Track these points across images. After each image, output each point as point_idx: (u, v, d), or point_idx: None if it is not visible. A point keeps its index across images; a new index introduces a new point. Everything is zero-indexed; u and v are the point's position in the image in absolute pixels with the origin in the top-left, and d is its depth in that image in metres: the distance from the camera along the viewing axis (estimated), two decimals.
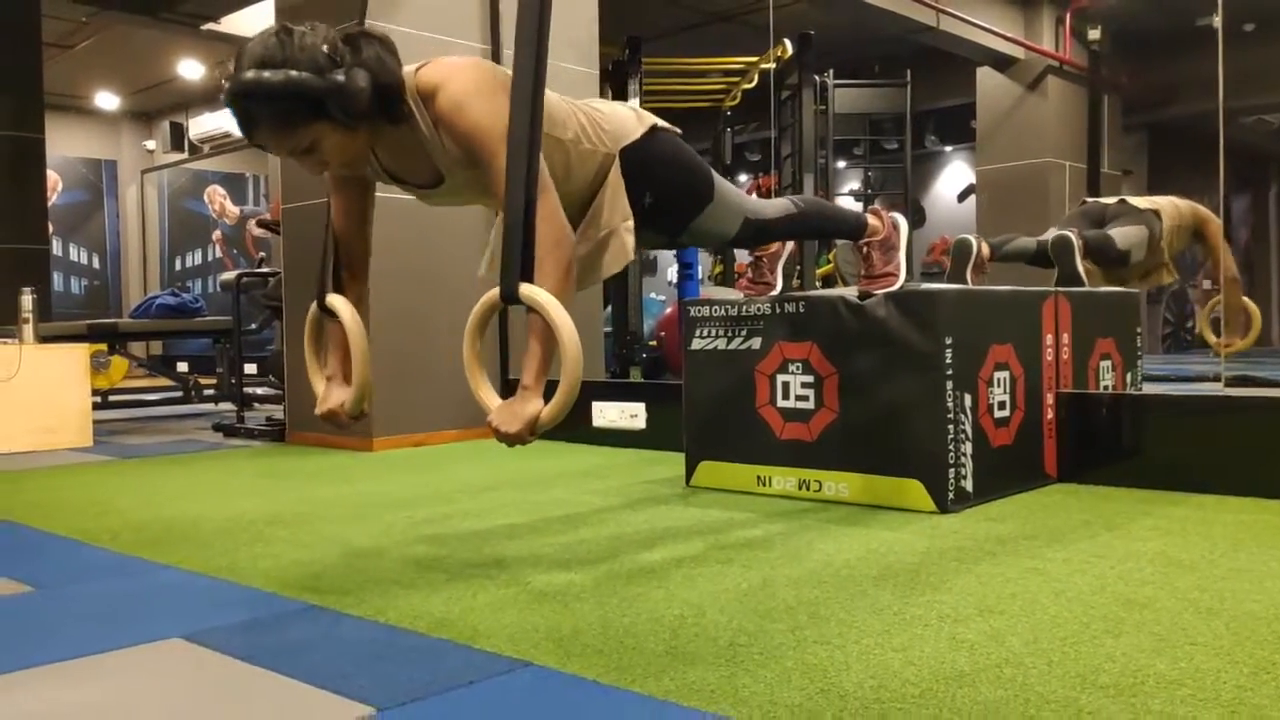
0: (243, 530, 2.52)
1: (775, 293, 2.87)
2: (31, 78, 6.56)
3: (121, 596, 1.95)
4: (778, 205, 2.48)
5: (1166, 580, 1.87)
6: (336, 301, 2.04)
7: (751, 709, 1.29)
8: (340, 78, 1.70)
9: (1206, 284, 11.04)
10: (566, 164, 2.00)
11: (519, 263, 1.76)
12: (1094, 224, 4.42)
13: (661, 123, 2.19)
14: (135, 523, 2.66)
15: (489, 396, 1.88)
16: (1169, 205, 4.64)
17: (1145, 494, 2.74)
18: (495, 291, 1.81)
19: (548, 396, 1.80)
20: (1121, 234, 4.27)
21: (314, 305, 2.08)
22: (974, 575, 1.93)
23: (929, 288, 2.65)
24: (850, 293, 2.67)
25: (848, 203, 8.54)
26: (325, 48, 1.71)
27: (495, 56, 4.53)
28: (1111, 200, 4.77)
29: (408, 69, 1.85)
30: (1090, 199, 5.19)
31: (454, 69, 1.85)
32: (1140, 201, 4.68)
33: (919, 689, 1.35)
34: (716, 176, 2.29)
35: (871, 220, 2.61)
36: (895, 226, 2.60)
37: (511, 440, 1.80)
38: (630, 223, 2.05)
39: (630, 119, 2.15)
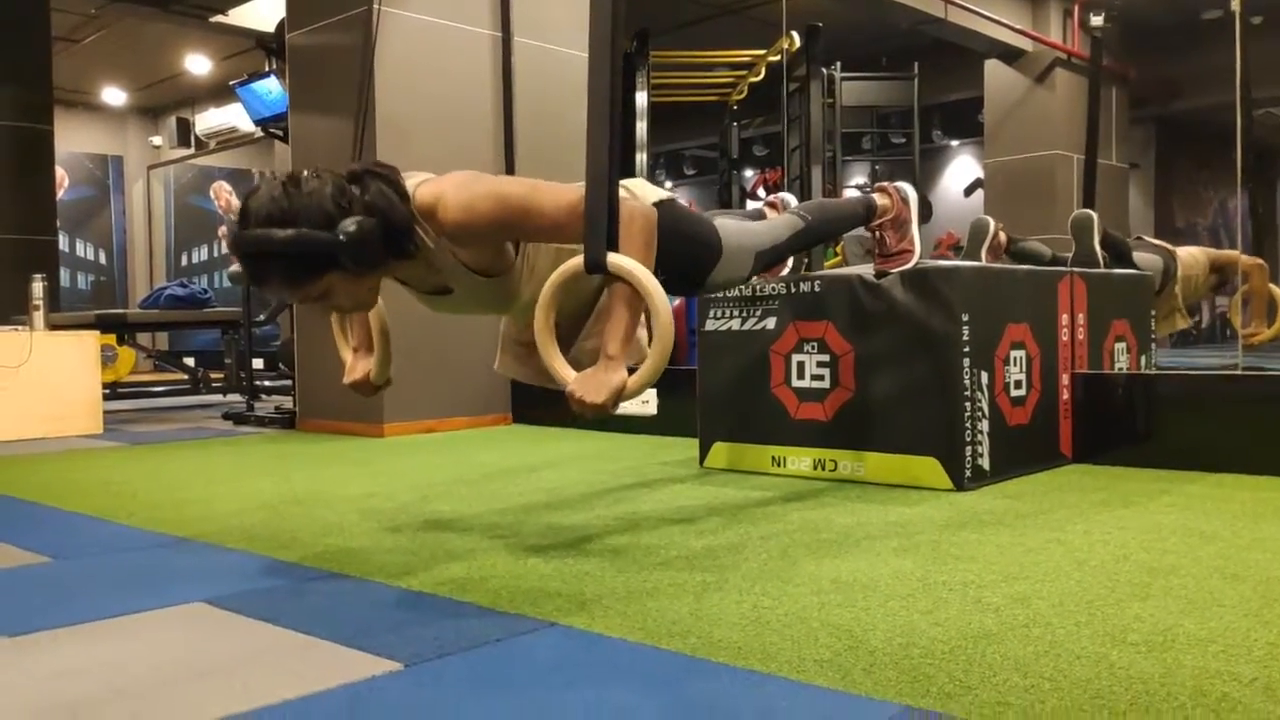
0: (259, 508, 2.51)
1: (787, 273, 2.87)
2: (40, 70, 6.57)
3: (141, 566, 1.95)
4: (784, 224, 2.38)
5: (1189, 550, 1.86)
6: None
7: (780, 664, 1.28)
8: (350, 228, 1.63)
9: (1213, 279, 11.03)
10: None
11: (605, 231, 1.73)
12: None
13: (658, 194, 2.10)
14: (150, 501, 2.65)
15: (564, 368, 1.82)
16: (1184, 253, 4.67)
17: (1162, 473, 2.73)
18: (575, 261, 1.76)
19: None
20: (1139, 256, 4.28)
21: None
22: (995, 546, 1.92)
23: (946, 265, 2.64)
24: (866, 271, 2.67)
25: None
26: (331, 195, 1.65)
27: (505, 44, 4.53)
28: (1129, 238, 4.80)
29: (409, 184, 1.76)
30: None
31: (443, 182, 1.77)
32: (1155, 241, 4.73)
33: (948, 646, 1.34)
34: (721, 226, 2.20)
35: (880, 200, 2.57)
36: (905, 200, 2.56)
37: (595, 410, 1.73)
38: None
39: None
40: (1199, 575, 1.68)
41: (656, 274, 1.90)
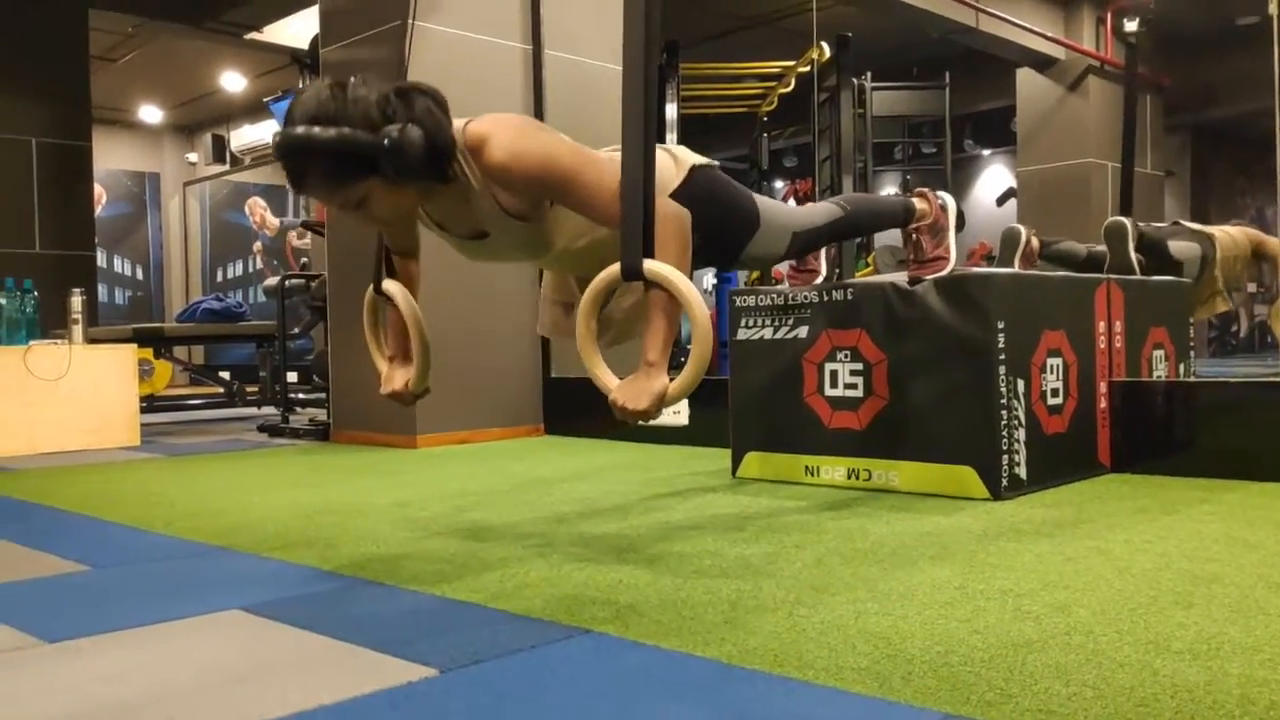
0: (294, 518, 2.53)
1: (820, 280, 2.86)
2: (79, 89, 6.67)
3: (178, 574, 1.96)
4: (823, 210, 2.41)
5: (1233, 558, 1.83)
6: (391, 286, 2.05)
7: (817, 671, 1.27)
8: (394, 134, 1.66)
9: (1251, 287, 10.88)
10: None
11: (641, 238, 1.73)
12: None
13: (698, 160, 2.12)
14: (187, 511, 2.68)
15: (606, 375, 1.83)
16: (1223, 234, 4.59)
17: (1202, 482, 2.69)
18: (614, 268, 1.77)
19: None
20: (1175, 245, 4.21)
21: (370, 290, 2.10)
22: (1033, 554, 1.90)
23: (981, 271, 2.62)
24: (900, 278, 2.65)
25: None
26: (378, 103, 1.68)
27: (536, 57, 4.55)
28: (1164, 224, 4.73)
29: (456, 123, 1.81)
30: (1142, 223, 5.14)
31: (497, 122, 1.80)
32: (1193, 226, 4.65)
33: (987, 654, 1.32)
34: (760, 200, 2.23)
35: (919, 204, 2.58)
36: (944, 208, 2.57)
37: (639, 417, 1.75)
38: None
39: (668, 166, 2.07)
40: (1243, 584, 1.65)
41: (693, 241, 1.94)
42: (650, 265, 1.73)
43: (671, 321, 1.76)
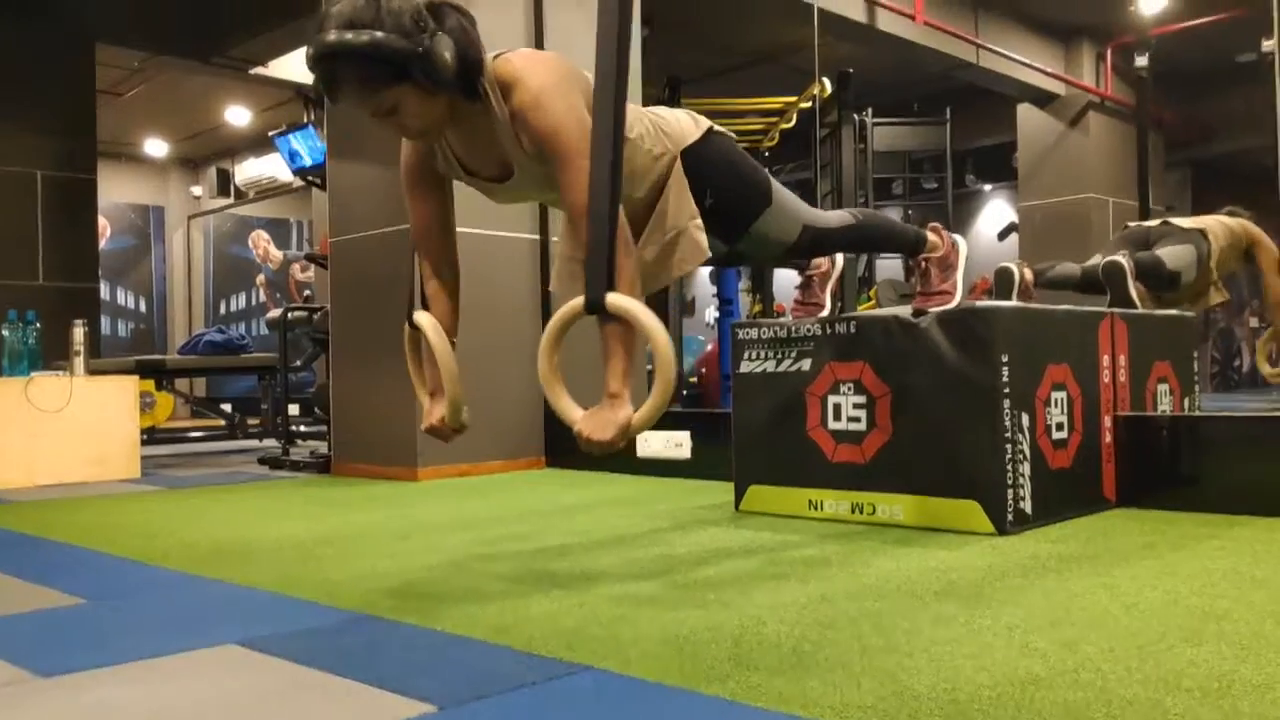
0: (292, 550, 2.51)
1: (825, 313, 2.85)
2: (85, 122, 6.72)
3: (174, 607, 1.94)
4: (836, 215, 2.48)
5: (1241, 595, 1.81)
6: (422, 318, 2.04)
7: (823, 709, 1.25)
8: (426, 42, 1.71)
9: (1254, 321, 10.88)
10: (632, 164, 2.00)
11: (605, 272, 1.74)
12: (1139, 248, 4.35)
13: (717, 126, 2.20)
14: (185, 543, 2.66)
15: (570, 408, 1.85)
16: (1216, 225, 4.56)
17: (1209, 518, 2.66)
18: (575, 302, 1.79)
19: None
20: (1170, 254, 4.20)
21: (406, 324, 2.09)
22: (1040, 590, 1.88)
23: (984, 305, 2.61)
24: (904, 311, 2.65)
25: None
26: (411, 13, 1.72)
27: None
28: (1154, 223, 4.70)
29: (487, 56, 1.86)
30: (1133, 223, 5.14)
31: (532, 61, 1.85)
32: (1184, 222, 4.61)
33: (994, 691, 1.30)
34: (774, 181, 2.28)
35: (931, 236, 2.59)
36: (955, 246, 2.58)
37: (603, 447, 1.76)
38: (699, 220, 2.05)
39: (688, 122, 2.16)
40: (1252, 621, 1.63)
41: (705, 199, 2.01)
42: (612, 298, 1.74)
43: (631, 353, 1.78)
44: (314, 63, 1.73)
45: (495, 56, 1.88)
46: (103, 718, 1.29)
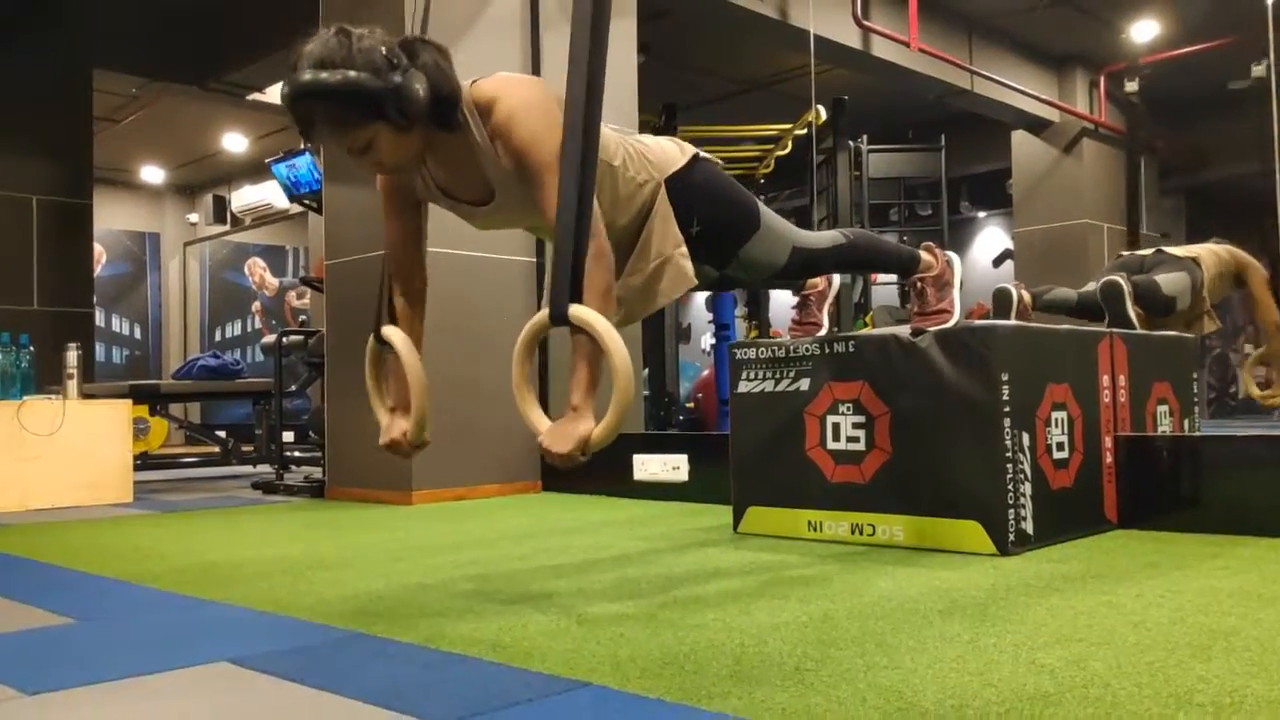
0: (285, 571, 2.47)
1: (822, 333, 2.83)
2: (82, 147, 6.72)
3: (164, 626, 1.91)
4: (827, 236, 2.46)
5: (1248, 613, 1.78)
6: (391, 332, 2.01)
7: None
8: (398, 79, 1.71)
9: (1248, 348, 10.89)
10: (614, 191, 2.00)
11: (569, 284, 1.74)
12: (1134, 274, 4.36)
13: (703, 152, 2.19)
14: (177, 565, 2.62)
15: (538, 419, 1.86)
16: (1207, 253, 4.58)
17: (1212, 538, 2.64)
18: (544, 314, 1.79)
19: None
20: (1166, 280, 4.21)
21: (371, 338, 2.06)
22: (1045, 608, 1.85)
23: (985, 323, 2.60)
24: (902, 330, 2.63)
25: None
26: (383, 50, 1.73)
27: None
28: (1148, 251, 4.72)
29: (464, 82, 1.86)
30: (1126, 252, 5.13)
31: (510, 83, 1.86)
32: (1177, 250, 4.63)
33: (1002, 708, 1.27)
34: (762, 205, 2.28)
35: (925, 256, 2.58)
36: (950, 263, 2.57)
37: (563, 461, 1.76)
38: (684, 248, 2.04)
39: (673, 149, 2.16)
40: (1261, 638, 1.60)
41: (692, 226, 2.00)
42: (575, 310, 1.74)
43: (594, 366, 1.77)
44: (288, 102, 1.74)
45: (474, 82, 1.88)
46: None
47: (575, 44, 1.78)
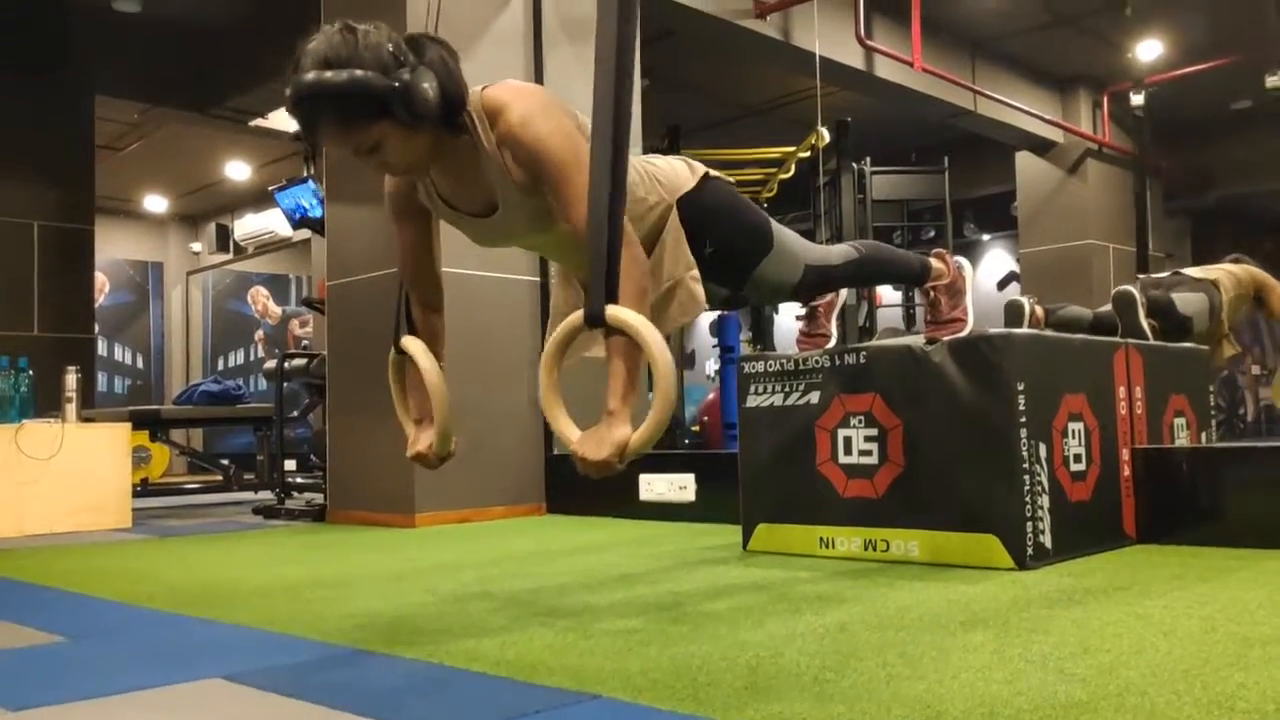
0: (283, 591, 2.41)
1: (832, 344, 2.78)
2: (84, 175, 6.71)
3: (158, 644, 1.85)
4: (839, 251, 2.40)
5: None
6: (410, 344, 1.95)
7: None
8: (405, 76, 1.65)
9: (1255, 369, 10.82)
10: (626, 213, 1.93)
11: (605, 284, 1.65)
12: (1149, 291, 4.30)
13: (714, 172, 2.13)
14: (173, 586, 2.56)
15: (568, 428, 1.73)
16: (1224, 275, 4.52)
17: (1236, 552, 2.57)
18: (576, 316, 1.68)
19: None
20: (1183, 299, 4.14)
21: (392, 350, 2.01)
22: (1069, 620, 1.78)
23: (999, 331, 2.54)
24: (915, 340, 2.57)
25: (886, 292, 8.46)
26: (390, 47, 1.67)
27: None
28: (1164, 274, 4.66)
29: (473, 88, 1.80)
30: (1142, 275, 5.07)
31: (519, 88, 1.80)
32: (1195, 272, 4.56)
33: (1035, 716, 1.21)
34: (775, 223, 2.21)
35: (936, 264, 2.52)
36: (961, 270, 2.52)
37: (599, 468, 1.64)
38: (695, 271, 1.97)
39: (683, 169, 2.09)
40: None
41: (705, 248, 1.92)
42: (613, 311, 1.63)
43: (633, 369, 1.66)
44: (293, 103, 1.67)
45: (483, 88, 1.83)
46: None
47: (601, 40, 1.72)
